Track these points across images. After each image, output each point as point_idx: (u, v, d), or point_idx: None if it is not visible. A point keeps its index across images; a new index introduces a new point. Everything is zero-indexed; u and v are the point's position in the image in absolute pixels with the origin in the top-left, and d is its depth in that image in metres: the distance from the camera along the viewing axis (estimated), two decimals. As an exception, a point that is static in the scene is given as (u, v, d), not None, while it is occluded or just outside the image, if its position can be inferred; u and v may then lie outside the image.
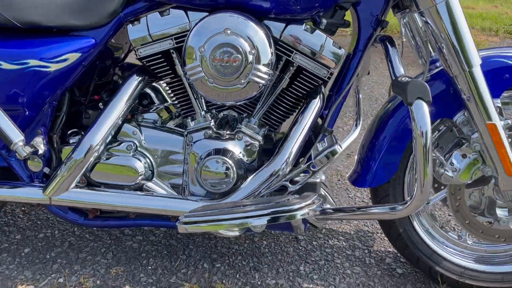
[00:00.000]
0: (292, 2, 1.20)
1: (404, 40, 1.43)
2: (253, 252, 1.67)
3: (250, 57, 1.17)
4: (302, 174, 1.31)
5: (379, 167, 1.38)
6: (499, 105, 1.27)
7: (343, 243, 1.73)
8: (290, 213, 1.10)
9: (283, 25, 1.26)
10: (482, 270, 1.45)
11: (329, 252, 1.68)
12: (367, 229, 1.83)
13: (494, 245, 1.48)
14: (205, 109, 1.36)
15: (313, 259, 1.64)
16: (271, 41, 1.22)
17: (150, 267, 1.57)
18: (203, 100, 1.35)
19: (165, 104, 1.49)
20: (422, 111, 1.06)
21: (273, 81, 1.32)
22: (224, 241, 1.72)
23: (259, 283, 1.52)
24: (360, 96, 1.70)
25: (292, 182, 1.27)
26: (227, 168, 1.25)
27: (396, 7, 1.35)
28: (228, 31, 1.15)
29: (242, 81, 1.18)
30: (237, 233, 1.27)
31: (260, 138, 1.32)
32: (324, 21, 1.27)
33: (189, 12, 1.25)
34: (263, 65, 1.19)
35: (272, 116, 1.38)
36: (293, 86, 1.32)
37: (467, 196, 1.38)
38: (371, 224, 1.85)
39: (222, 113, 1.39)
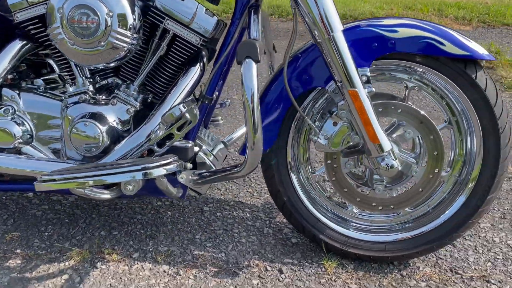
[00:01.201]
0: None
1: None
2: (154, 222, 1.70)
3: (109, 20, 1.19)
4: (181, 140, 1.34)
5: (259, 135, 1.41)
6: (368, 73, 1.29)
7: (247, 214, 1.76)
8: (144, 171, 1.13)
9: (156, -8, 1.28)
10: (365, 239, 1.48)
11: (230, 223, 1.71)
12: (275, 202, 1.86)
13: (379, 215, 1.51)
14: (88, 75, 1.38)
15: (212, 228, 1.67)
16: (136, 5, 1.23)
17: (46, 234, 1.60)
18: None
19: (57, 73, 1.51)
20: (251, 71, 1.07)
21: (153, 49, 1.35)
22: (129, 212, 1.75)
23: (150, 249, 1.55)
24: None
25: (160, 145, 1.30)
26: (96, 131, 1.28)
27: None
28: (86, -7, 1.18)
29: (102, 43, 1.20)
30: (108, 196, 1.30)
31: (137, 104, 1.34)
32: (197, -12, 1.29)
33: (62, -23, 1.27)
34: (124, 28, 1.21)
35: (155, 84, 1.40)
36: (170, 53, 1.34)
37: (344, 165, 1.41)
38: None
39: (107, 80, 1.41)
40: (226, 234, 1.65)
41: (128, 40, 1.22)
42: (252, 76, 1.07)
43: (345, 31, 1.27)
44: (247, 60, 1.07)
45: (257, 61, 1.08)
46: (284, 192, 1.48)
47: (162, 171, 1.15)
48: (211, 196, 1.87)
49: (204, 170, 1.35)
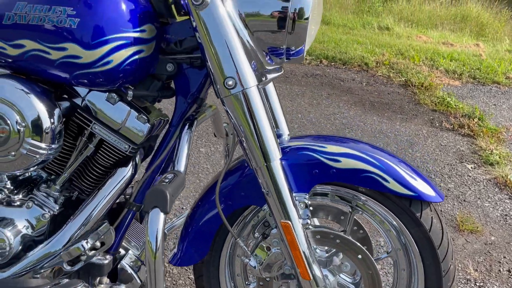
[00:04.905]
0: (91, 76, 1.10)
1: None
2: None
3: (21, 130, 1.08)
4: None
5: (189, 247, 1.31)
6: (306, 201, 1.20)
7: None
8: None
9: (85, 91, 1.19)
10: None
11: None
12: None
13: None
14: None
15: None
16: (57, 110, 1.13)
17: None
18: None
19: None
20: (157, 223, 0.97)
21: (80, 147, 1.24)
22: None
23: None
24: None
25: (73, 262, 1.18)
26: (2, 239, 1.16)
27: None
28: (-3, 99, 1.07)
29: (13, 153, 1.10)
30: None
31: (55, 207, 1.23)
32: (131, 93, 1.19)
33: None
34: (38, 140, 1.10)
35: (82, 182, 1.29)
36: (98, 155, 1.24)
37: (276, 289, 1.31)
38: None
39: (31, 173, 1.31)
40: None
41: (42, 151, 1.11)
42: (158, 229, 0.97)
43: (285, 154, 1.19)
44: (154, 210, 0.97)
45: (165, 212, 0.98)
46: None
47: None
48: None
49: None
